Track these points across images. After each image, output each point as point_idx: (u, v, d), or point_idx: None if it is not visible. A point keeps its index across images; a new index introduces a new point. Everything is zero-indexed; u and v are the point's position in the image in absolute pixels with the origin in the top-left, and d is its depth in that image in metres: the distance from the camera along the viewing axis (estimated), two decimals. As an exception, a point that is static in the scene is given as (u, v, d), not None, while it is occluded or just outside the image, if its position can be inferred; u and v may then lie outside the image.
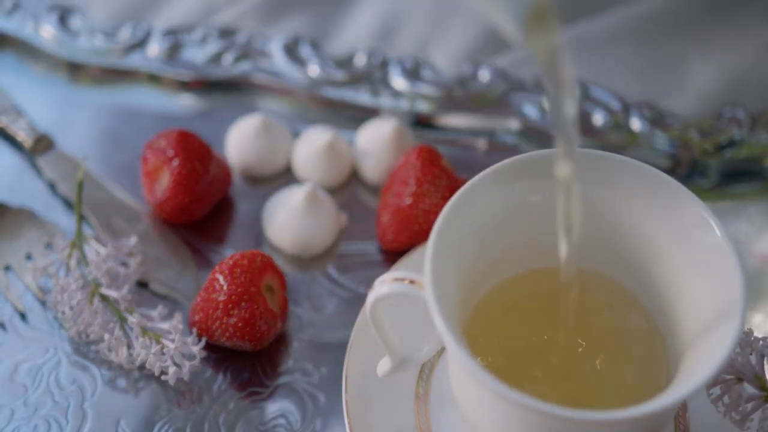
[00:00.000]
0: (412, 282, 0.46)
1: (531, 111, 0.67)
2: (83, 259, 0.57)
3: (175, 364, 0.55)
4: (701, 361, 0.43)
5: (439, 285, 0.44)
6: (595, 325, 0.49)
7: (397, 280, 0.46)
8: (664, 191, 0.47)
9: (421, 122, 0.67)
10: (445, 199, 0.47)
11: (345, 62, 0.68)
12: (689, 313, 0.47)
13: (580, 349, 0.49)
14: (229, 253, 0.59)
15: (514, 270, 0.50)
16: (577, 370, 0.48)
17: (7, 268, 0.60)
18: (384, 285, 0.47)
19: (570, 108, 0.43)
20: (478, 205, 0.47)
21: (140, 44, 0.70)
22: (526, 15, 0.40)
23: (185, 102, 0.68)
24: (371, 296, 0.47)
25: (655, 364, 0.48)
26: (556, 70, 0.42)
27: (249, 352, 0.56)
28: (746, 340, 0.48)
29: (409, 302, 0.46)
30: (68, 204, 0.63)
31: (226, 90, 0.68)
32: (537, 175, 0.48)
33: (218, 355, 0.56)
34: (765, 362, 0.47)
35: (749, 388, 0.47)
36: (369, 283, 0.48)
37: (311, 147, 0.63)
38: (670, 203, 0.47)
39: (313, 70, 0.68)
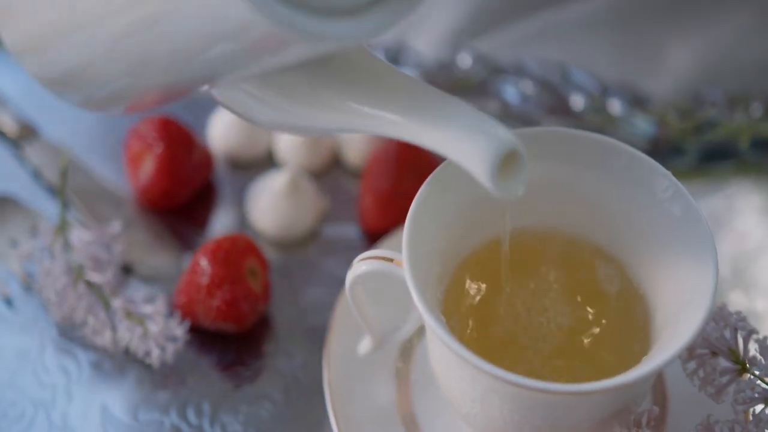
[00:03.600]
0: (390, 260, 0.47)
1: (511, 96, 0.67)
2: (67, 245, 0.57)
3: (159, 347, 0.55)
4: (675, 333, 0.44)
5: (416, 262, 0.45)
6: (577, 291, 0.50)
7: (375, 258, 0.47)
8: (636, 167, 0.48)
9: (402, 107, 0.67)
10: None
11: (326, 48, 0.69)
12: (666, 286, 0.47)
13: (560, 316, 0.49)
14: (212, 237, 0.59)
15: (490, 236, 0.51)
16: (557, 339, 0.48)
17: (-7, 254, 0.60)
18: (362, 264, 0.47)
19: None
20: (454, 184, 0.48)
21: (123, 33, 0.70)
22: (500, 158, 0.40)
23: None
24: (350, 275, 0.48)
25: (634, 334, 0.48)
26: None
27: (232, 335, 0.57)
28: (720, 315, 0.48)
29: (388, 280, 0.47)
30: (53, 191, 0.63)
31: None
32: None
33: (202, 337, 0.57)
34: (739, 336, 0.48)
35: (724, 362, 0.48)
36: (350, 265, 0.48)
37: (293, 132, 0.64)
38: (642, 178, 0.48)
39: (295, 56, 0.68)
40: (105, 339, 0.56)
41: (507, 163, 0.40)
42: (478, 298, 0.50)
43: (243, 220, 0.62)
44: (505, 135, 0.40)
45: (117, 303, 0.55)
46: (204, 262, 0.55)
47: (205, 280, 0.55)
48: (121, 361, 0.56)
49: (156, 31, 0.38)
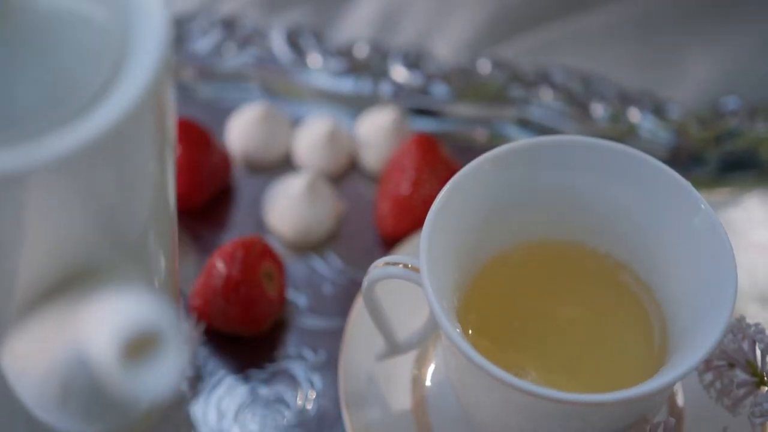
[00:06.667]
0: (406, 266, 0.47)
1: (531, 103, 0.67)
2: (85, 245, 0.57)
3: (175, 348, 0.55)
4: (692, 345, 0.44)
5: (433, 268, 0.45)
6: (594, 301, 0.49)
7: (392, 264, 0.47)
8: (655, 177, 0.48)
9: (421, 112, 0.67)
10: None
11: (346, 52, 0.69)
12: (685, 297, 0.47)
13: (577, 326, 0.49)
14: (229, 240, 0.59)
15: (508, 245, 0.50)
16: (573, 348, 0.48)
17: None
18: (379, 269, 0.47)
19: None
20: (473, 191, 0.48)
21: (143, 34, 0.70)
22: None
23: (187, 91, 0.68)
24: (366, 280, 0.48)
25: (651, 345, 0.48)
26: None
27: (248, 338, 0.57)
28: (738, 327, 0.48)
29: (404, 286, 0.47)
30: (71, 191, 0.63)
31: (228, 79, 0.69)
32: (531, 163, 0.49)
33: (217, 340, 0.57)
34: (757, 348, 0.48)
35: (741, 374, 0.48)
36: (367, 270, 0.48)
37: (312, 136, 0.64)
38: (662, 188, 0.48)
39: (314, 59, 0.68)
40: (120, 340, 0.56)
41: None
42: (494, 306, 0.49)
43: (260, 223, 0.62)
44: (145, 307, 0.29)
45: (133, 304, 0.55)
46: (220, 265, 0.55)
47: (220, 283, 0.55)
48: (136, 362, 0.56)
49: None
